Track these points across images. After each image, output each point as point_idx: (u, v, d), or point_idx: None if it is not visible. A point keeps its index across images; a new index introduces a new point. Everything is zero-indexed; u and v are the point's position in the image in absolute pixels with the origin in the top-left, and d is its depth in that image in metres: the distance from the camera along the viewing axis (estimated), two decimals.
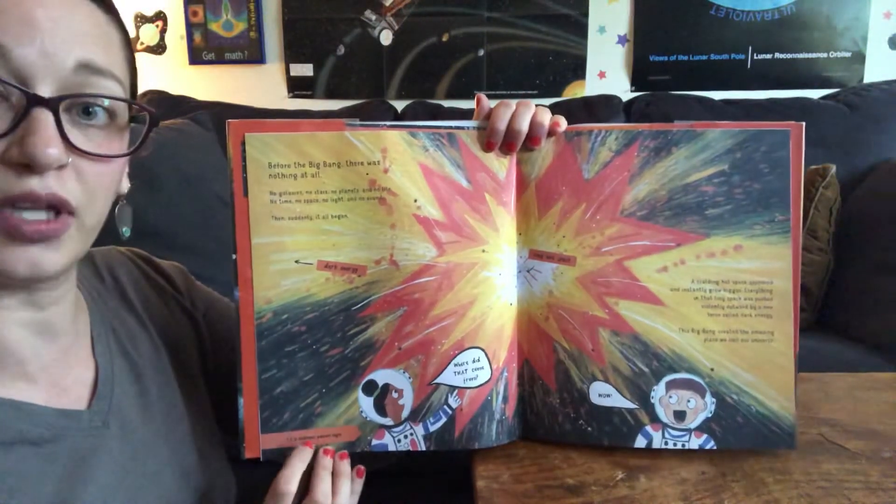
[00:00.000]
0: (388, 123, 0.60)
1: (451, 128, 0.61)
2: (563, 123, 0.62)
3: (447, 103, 2.08)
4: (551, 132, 0.62)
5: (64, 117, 0.43)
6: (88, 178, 0.45)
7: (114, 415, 0.52)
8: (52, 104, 0.42)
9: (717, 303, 0.61)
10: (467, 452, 0.64)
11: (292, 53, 2.26)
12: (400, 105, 2.04)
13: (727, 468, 0.61)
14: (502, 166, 0.62)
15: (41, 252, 0.43)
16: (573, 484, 0.58)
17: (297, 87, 2.28)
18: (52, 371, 0.50)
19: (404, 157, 0.60)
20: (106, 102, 0.46)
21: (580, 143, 0.62)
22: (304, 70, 2.27)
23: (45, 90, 0.42)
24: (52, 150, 0.41)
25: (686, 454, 0.63)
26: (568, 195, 0.62)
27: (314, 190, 0.58)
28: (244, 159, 0.57)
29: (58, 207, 0.43)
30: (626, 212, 0.62)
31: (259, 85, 2.30)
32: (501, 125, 0.60)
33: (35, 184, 0.41)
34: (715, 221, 0.61)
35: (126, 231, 0.54)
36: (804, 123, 0.60)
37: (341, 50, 2.25)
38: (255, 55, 2.28)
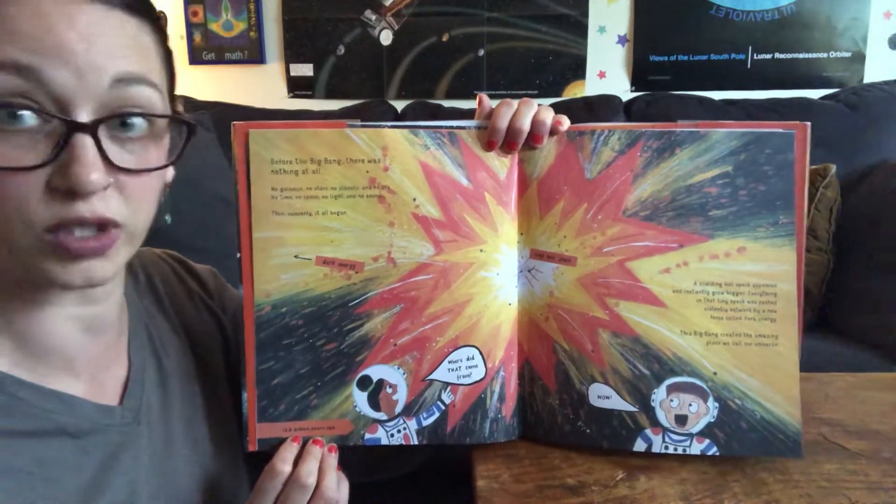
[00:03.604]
0: (389, 124, 0.60)
1: (452, 127, 0.61)
2: (565, 122, 0.61)
3: (447, 103, 2.08)
4: (553, 131, 0.61)
5: (103, 135, 0.43)
6: (131, 192, 0.45)
7: (143, 413, 0.54)
8: (91, 129, 0.42)
9: (721, 305, 0.60)
10: (468, 452, 0.64)
11: (292, 53, 2.26)
12: (400, 105, 2.04)
13: (727, 468, 0.60)
14: (503, 166, 0.62)
15: (93, 264, 0.44)
16: (573, 484, 0.59)
17: (297, 87, 2.28)
18: (93, 366, 0.52)
19: (405, 155, 0.60)
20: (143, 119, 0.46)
21: (582, 142, 0.62)
22: (304, 70, 2.27)
23: (83, 114, 0.42)
24: (94, 175, 0.42)
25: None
26: (570, 195, 0.62)
27: (314, 186, 0.59)
28: (247, 155, 0.58)
29: (105, 225, 0.44)
30: (629, 212, 0.61)
31: (259, 85, 2.30)
32: (503, 124, 0.60)
33: (82, 208, 0.42)
34: (719, 223, 0.60)
35: (168, 219, 0.55)
36: (809, 124, 0.59)
37: (341, 50, 2.25)
38: (255, 55, 2.28)
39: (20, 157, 0.41)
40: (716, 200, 0.60)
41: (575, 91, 2.23)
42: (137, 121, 0.45)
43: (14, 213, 0.41)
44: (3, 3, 0.40)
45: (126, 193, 0.45)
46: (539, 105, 0.61)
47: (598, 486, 0.58)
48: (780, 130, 0.60)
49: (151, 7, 0.48)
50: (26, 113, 0.40)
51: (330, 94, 2.27)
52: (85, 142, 0.42)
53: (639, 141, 0.61)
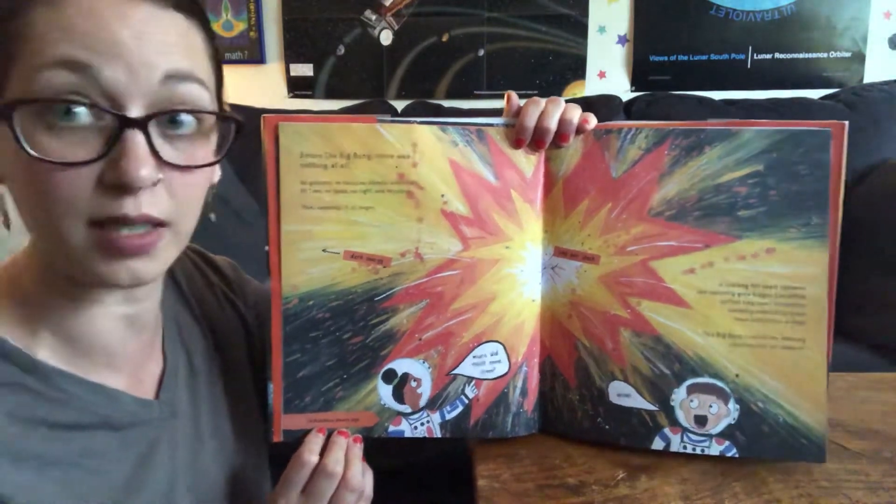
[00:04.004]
0: (420, 119, 0.60)
1: (480, 124, 0.61)
2: (592, 121, 0.62)
3: (447, 103, 2.08)
4: (580, 130, 0.62)
5: (153, 132, 0.43)
6: (178, 190, 0.46)
7: (177, 407, 0.55)
8: (141, 124, 0.42)
9: (746, 307, 0.60)
10: (469, 451, 0.65)
11: (292, 53, 2.26)
12: (400, 105, 2.04)
13: (728, 467, 0.61)
14: (530, 164, 0.63)
15: (140, 264, 0.45)
16: (574, 483, 0.59)
17: (297, 87, 2.28)
18: (133, 362, 0.53)
19: (434, 151, 0.60)
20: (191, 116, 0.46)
21: (609, 141, 0.62)
22: (304, 70, 2.27)
23: (134, 109, 0.42)
24: (144, 170, 0.42)
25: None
26: (595, 193, 0.62)
27: (344, 181, 0.59)
28: (277, 149, 0.58)
29: (151, 223, 0.45)
30: (654, 211, 0.61)
31: (259, 85, 2.29)
32: (531, 122, 0.60)
33: (129, 206, 0.43)
34: (747, 223, 0.59)
35: (213, 217, 0.56)
36: (846, 123, 0.57)
37: (341, 50, 2.25)
38: (255, 55, 2.27)
39: (73, 153, 0.41)
40: (745, 200, 0.59)
41: (575, 91, 2.23)
42: (186, 118, 0.46)
43: (64, 207, 0.42)
44: (56, 2, 0.41)
45: (174, 191, 0.46)
46: (566, 104, 0.62)
47: (599, 485, 0.58)
48: (816, 129, 0.58)
49: (200, 7, 0.49)
50: (80, 109, 0.41)
51: (330, 94, 2.27)
52: (136, 137, 0.42)
53: (667, 139, 0.60)
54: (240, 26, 2.26)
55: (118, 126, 0.42)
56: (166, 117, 0.44)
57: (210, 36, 0.50)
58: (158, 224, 0.45)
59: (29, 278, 0.48)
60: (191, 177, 0.47)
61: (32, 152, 0.40)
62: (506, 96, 0.64)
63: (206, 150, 0.48)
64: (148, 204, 0.44)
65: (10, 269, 0.50)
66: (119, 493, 0.48)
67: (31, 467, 0.43)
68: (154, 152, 0.43)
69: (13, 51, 0.41)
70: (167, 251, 0.47)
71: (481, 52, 2.22)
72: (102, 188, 0.42)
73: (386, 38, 2.23)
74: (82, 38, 0.41)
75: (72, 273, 0.46)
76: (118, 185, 0.42)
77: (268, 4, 2.25)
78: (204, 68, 0.48)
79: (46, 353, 0.47)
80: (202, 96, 0.46)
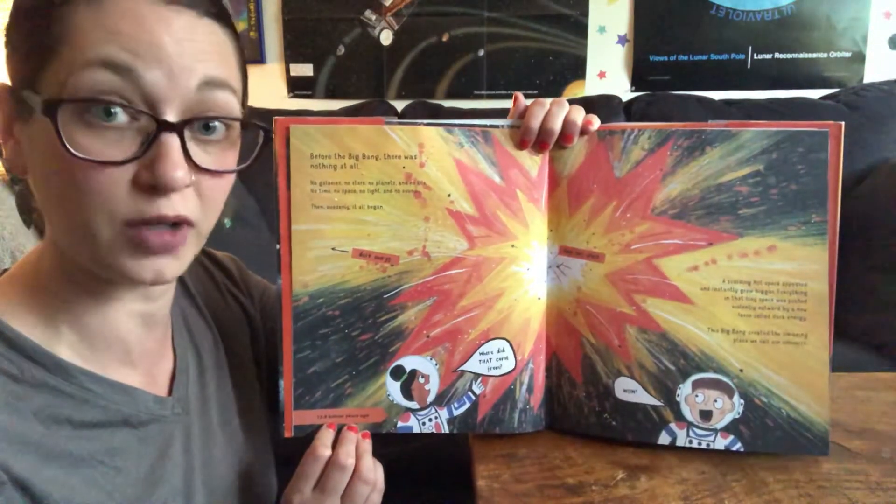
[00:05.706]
0: (426, 121, 0.62)
1: (486, 125, 0.62)
2: (595, 122, 0.63)
3: (447, 103, 2.08)
4: (584, 131, 0.63)
5: (187, 135, 0.44)
6: (206, 191, 0.47)
7: (189, 403, 0.56)
8: (178, 128, 0.43)
9: (749, 303, 0.61)
10: (468, 451, 0.65)
11: (292, 53, 2.26)
12: (400, 105, 2.04)
13: (727, 468, 0.61)
14: (535, 164, 0.63)
15: (165, 262, 0.46)
16: (573, 484, 0.59)
17: (297, 87, 2.28)
18: (148, 359, 0.54)
19: (440, 152, 0.61)
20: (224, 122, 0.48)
21: (612, 141, 0.63)
22: (304, 70, 2.26)
23: (171, 113, 0.43)
24: (179, 172, 0.43)
25: (687, 454, 0.63)
26: (599, 193, 0.63)
27: (352, 181, 0.61)
28: (288, 150, 0.60)
29: (180, 223, 0.46)
30: (658, 210, 0.62)
31: (259, 85, 2.29)
32: (535, 124, 0.62)
33: (164, 206, 0.44)
34: (748, 221, 0.61)
35: (227, 222, 0.56)
36: (843, 123, 0.59)
37: (341, 50, 2.25)
38: (255, 55, 2.27)
39: (109, 152, 0.42)
40: (746, 199, 0.61)
41: (575, 91, 2.22)
42: (219, 124, 0.47)
43: (99, 205, 0.43)
44: (99, 3, 0.42)
45: (202, 194, 0.47)
46: (571, 105, 0.63)
47: (599, 485, 0.58)
48: (814, 129, 0.60)
49: (231, 19, 0.50)
50: (119, 110, 0.42)
51: (330, 94, 2.27)
52: (172, 140, 0.43)
53: (669, 140, 0.62)
54: (240, 26, 2.26)
55: (155, 129, 0.43)
56: (201, 123, 0.46)
57: (240, 47, 0.51)
58: (187, 223, 0.46)
59: (48, 274, 0.49)
60: (218, 180, 0.48)
61: (73, 150, 0.41)
62: (513, 97, 0.65)
63: (233, 155, 0.50)
64: (180, 204, 0.45)
65: (29, 264, 0.50)
66: (140, 490, 0.49)
67: (59, 466, 0.44)
68: (188, 156, 0.44)
69: (51, 48, 0.42)
70: (190, 251, 0.48)
71: (481, 52, 2.22)
72: (136, 188, 0.43)
73: (386, 38, 2.23)
74: (125, 40, 0.42)
75: (95, 269, 0.46)
76: (152, 185, 0.43)
77: (268, 4, 2.25)
78: (235, 77, 0.49)
79: (67, 350, 0.48)
80: (233, 104, 0.48)
